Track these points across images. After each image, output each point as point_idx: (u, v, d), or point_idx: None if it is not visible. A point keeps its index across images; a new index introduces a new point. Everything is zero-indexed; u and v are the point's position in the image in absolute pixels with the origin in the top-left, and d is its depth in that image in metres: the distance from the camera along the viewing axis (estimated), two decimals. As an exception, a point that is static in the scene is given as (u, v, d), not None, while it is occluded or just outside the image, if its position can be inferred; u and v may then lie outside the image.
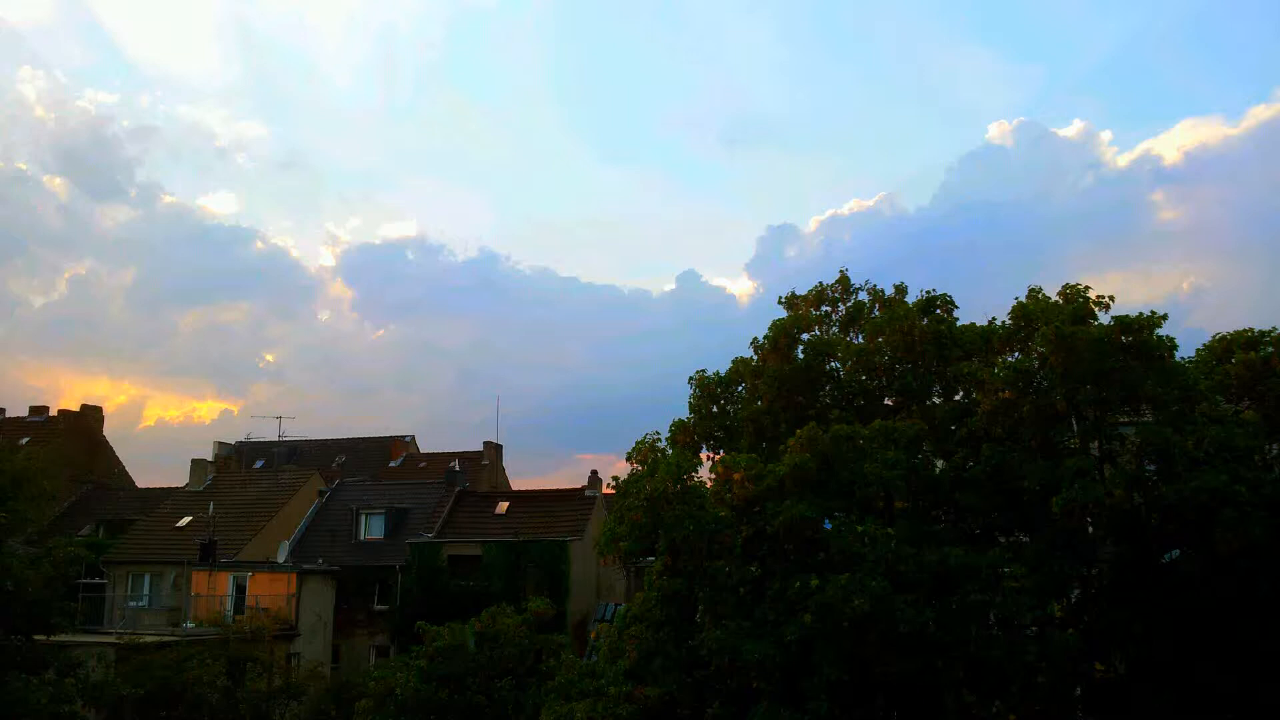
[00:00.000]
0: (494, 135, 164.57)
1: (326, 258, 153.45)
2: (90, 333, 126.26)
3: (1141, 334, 20.64)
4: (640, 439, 22.85)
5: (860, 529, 19.11)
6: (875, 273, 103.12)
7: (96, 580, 42.78)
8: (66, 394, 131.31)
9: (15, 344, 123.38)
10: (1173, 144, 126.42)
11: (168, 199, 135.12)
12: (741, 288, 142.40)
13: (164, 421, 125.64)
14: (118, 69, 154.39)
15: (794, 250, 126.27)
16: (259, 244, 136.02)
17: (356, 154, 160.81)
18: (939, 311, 25.33)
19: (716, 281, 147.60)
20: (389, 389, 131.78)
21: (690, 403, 25.82)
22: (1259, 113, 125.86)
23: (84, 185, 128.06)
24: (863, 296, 27.10)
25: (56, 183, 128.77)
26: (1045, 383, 21.29)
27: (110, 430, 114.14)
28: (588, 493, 45.50)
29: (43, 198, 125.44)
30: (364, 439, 64.97)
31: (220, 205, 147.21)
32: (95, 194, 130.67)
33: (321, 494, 48.55)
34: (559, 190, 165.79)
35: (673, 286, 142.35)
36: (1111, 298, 21.88)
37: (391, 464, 60.24)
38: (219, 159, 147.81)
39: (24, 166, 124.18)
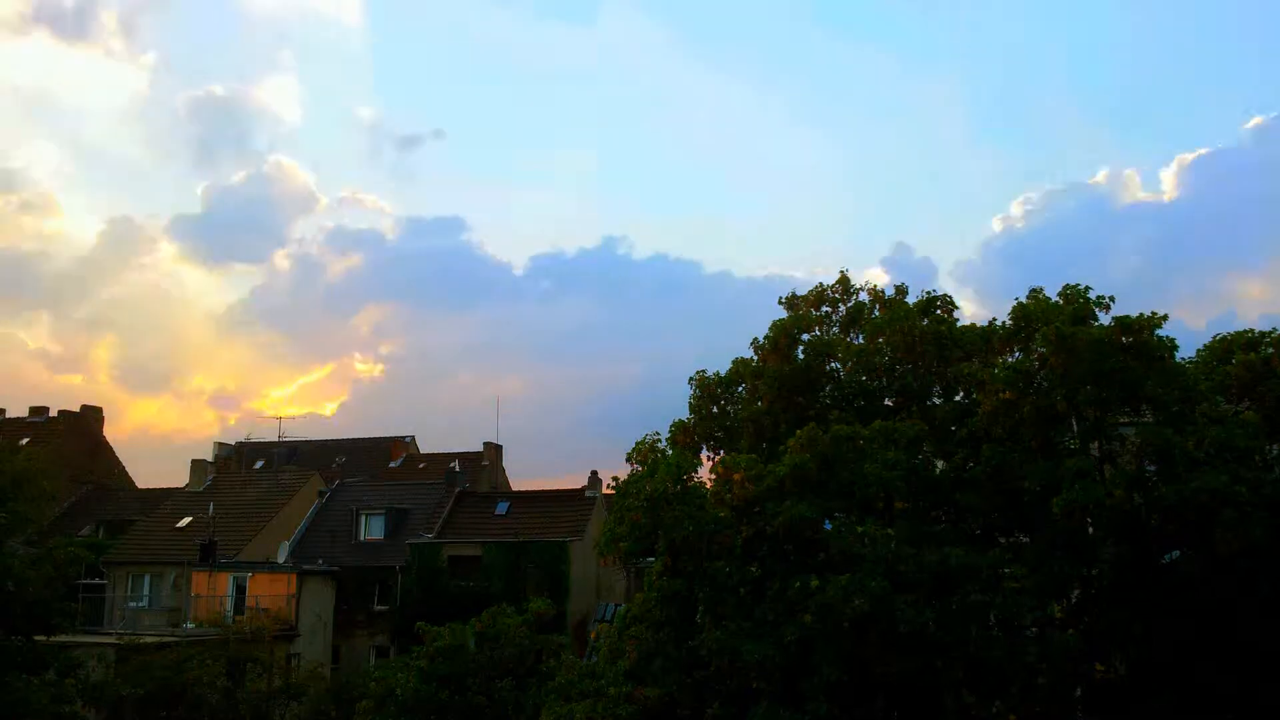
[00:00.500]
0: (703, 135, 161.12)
1: (522, 255, 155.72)
2: (286, 322, 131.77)
3: (1142, 334, 20.62)
4: (640, 439, 22.87)
5: (860, 529, 19.11)
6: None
7: (96, 580, 42.81)
8: (221, 384, 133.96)
9: (205, 331, 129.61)
10: None
11: (419, 198, 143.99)
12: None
13: (291, 417, 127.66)
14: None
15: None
16: (466, 239, 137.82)
17: (586, 151, 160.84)
18: (939, 312, 25.35)
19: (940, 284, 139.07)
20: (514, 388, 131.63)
21: (690, 403, 25.82)
22: None
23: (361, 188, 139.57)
24: (863, 297, 27.13)
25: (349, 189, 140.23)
26: (1045, 383, 21.27)
27: (253, 424, 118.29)
28: (588, 493, 45.53)
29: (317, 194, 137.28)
30: (364, 439, 64.98)
31: (447, 204, 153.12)
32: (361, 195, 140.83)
33: (321, 494, 48.56)
34: (784, 189, 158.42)
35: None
36: (1112, 298, 21.88)
37: (391, 464, 60.26)
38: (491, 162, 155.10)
39: (312, 179, 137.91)
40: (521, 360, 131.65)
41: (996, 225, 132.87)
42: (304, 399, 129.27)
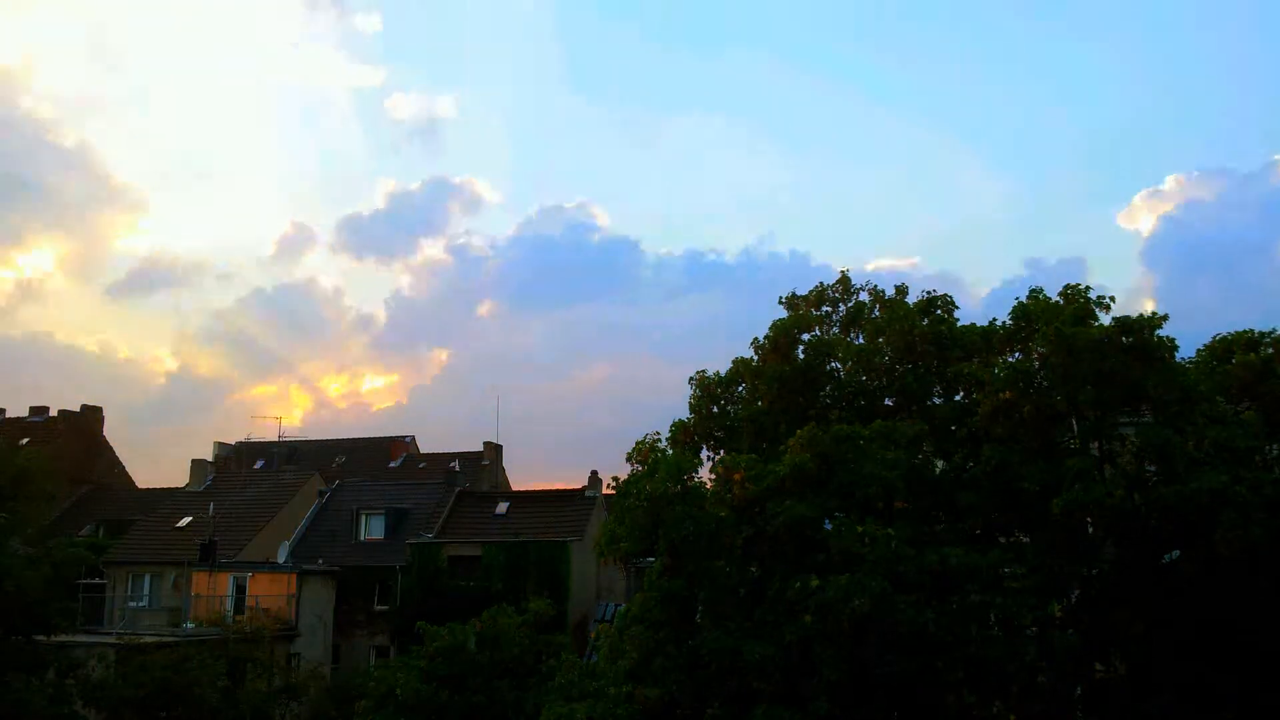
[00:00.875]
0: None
1: (673, 251, 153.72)
2: (410, 318, 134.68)
3: (1142, 334, 20.64)
4: (640, 439, 22.86)
5: (860, 529, 19.10)
6: None
7: (96, 580, 42.77)
8: (323, 375, 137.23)
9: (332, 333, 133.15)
10: None
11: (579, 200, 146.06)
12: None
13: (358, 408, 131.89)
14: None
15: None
16: (610, 236, 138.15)
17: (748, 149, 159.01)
18: (939, 312, 25.33)
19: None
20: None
21: (690, 403, 25.79)
22: None
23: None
24: (863, 297, 27.12)
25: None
26: (1045, 383, 21.28)
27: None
28: (588, 493, 45.50)
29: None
30: (364, 439, 64.99)
31: (608, 206, 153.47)
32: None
33: (321, 494, 48.53)
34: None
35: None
36: (1112, 298, 21.92)
37: (391, 464, 60.24)
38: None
39: (486, 183, 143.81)
40: (642, 356, 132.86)
41: (1124, 221, 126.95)
42: (390, 393, 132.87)
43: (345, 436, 66.13)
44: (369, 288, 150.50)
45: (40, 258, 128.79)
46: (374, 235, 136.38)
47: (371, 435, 65.38)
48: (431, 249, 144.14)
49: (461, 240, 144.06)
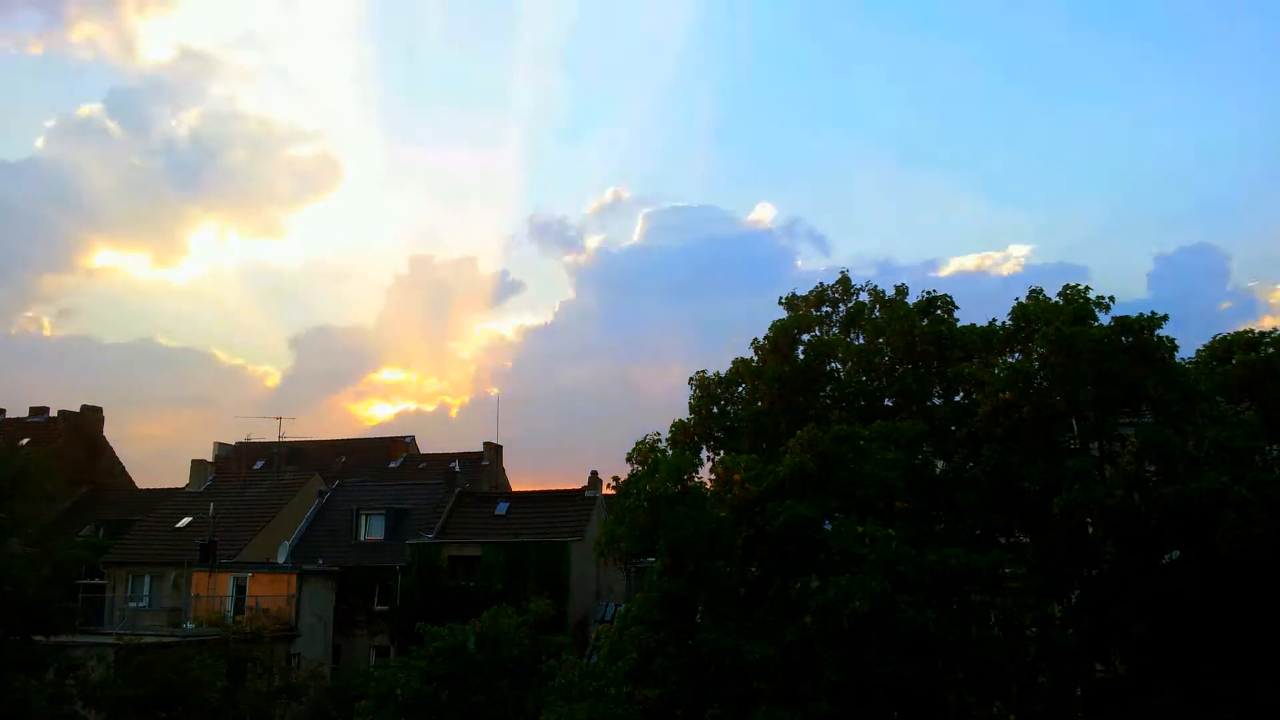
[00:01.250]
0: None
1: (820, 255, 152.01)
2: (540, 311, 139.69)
3: (1142, 334, 20.64)
4: (640, 439, 22.85)
5: (860, 530, 19.11)
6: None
7: (96, 581, 42.76)
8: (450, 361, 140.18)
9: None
10: None
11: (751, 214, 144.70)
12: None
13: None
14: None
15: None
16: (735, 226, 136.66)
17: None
18: (939, 312, 25.34)
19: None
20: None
21: (690, 403, 25.81)
22: None
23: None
24: (863, 297, 27.12)
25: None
26: (1045, 383, 21.29)
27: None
28: (588, 493, 45.47)
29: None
30: (364, 439, 65.03)
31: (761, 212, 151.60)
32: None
33: (321, 494, 48.51)
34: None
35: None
36: (1112, 298, 21.91)
37: (391, 464, 60.23)
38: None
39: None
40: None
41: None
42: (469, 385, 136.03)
43: (345, 437, 66.15)
44: (535, 282, 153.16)
45: (214, 254, 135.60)
46: (544, 234, 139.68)
47: (370, 436, 65.46)
48: (600, 247, 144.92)
49: (629, 236, 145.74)
